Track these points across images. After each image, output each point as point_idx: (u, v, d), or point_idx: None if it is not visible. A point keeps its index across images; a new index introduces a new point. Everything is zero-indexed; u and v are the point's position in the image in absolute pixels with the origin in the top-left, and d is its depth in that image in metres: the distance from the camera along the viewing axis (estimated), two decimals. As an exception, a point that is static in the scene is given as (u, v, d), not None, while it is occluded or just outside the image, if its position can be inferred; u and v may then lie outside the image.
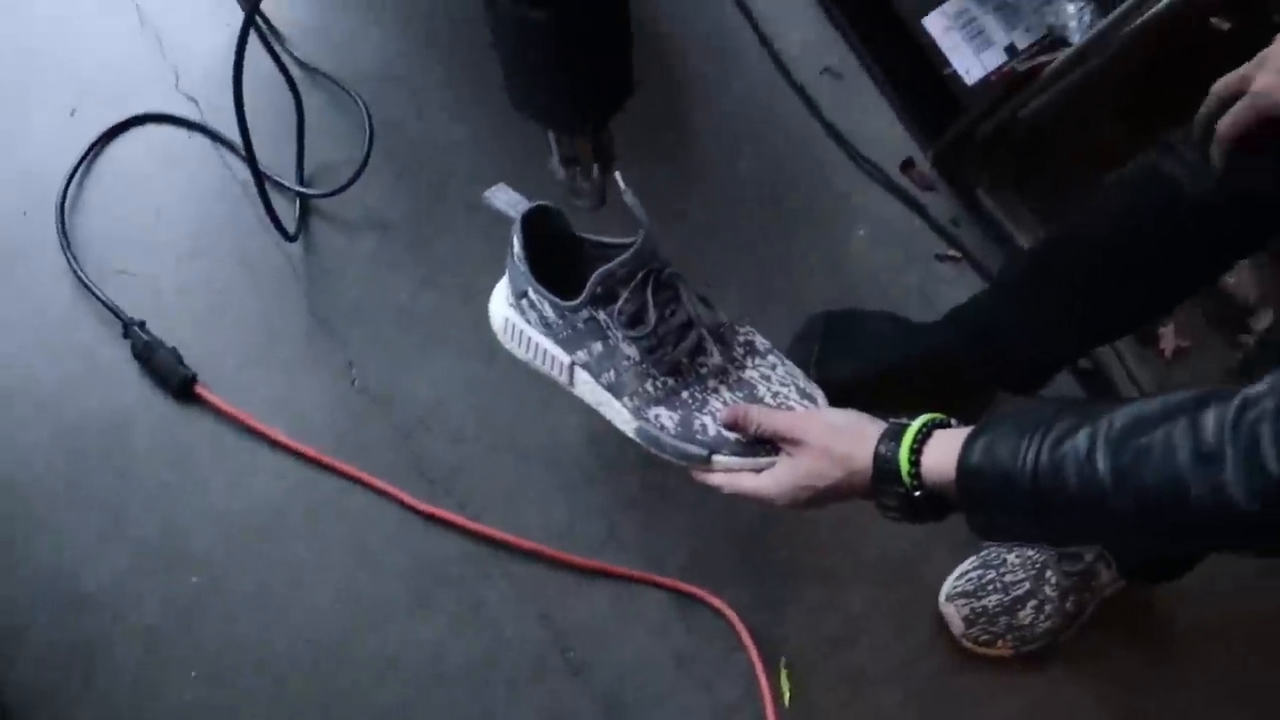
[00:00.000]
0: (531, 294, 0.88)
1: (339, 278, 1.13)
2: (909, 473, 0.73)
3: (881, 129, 1.40)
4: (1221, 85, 0.90)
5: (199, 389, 1.04)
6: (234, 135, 1.02)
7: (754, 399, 0.85)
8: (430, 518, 1.05)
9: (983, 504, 0.71)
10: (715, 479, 0.84)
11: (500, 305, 0.94)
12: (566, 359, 0.89)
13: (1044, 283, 1.10)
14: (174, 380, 1.03)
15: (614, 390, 0.88)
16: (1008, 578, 1.15)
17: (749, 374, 0.87)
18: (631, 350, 0.84)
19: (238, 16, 0.92)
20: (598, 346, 0.86)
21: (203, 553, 1.01)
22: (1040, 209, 1.38)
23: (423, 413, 1.10)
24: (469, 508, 1.07)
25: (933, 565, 1.16)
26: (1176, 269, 1.02)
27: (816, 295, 1.25)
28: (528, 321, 0.91)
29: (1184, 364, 1.42)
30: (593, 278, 0.82)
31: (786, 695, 1.06)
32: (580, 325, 0.86)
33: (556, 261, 0.89)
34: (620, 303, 0.83)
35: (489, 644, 1.03)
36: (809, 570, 1.13)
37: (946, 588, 1.16)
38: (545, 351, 0.91)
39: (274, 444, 1.04)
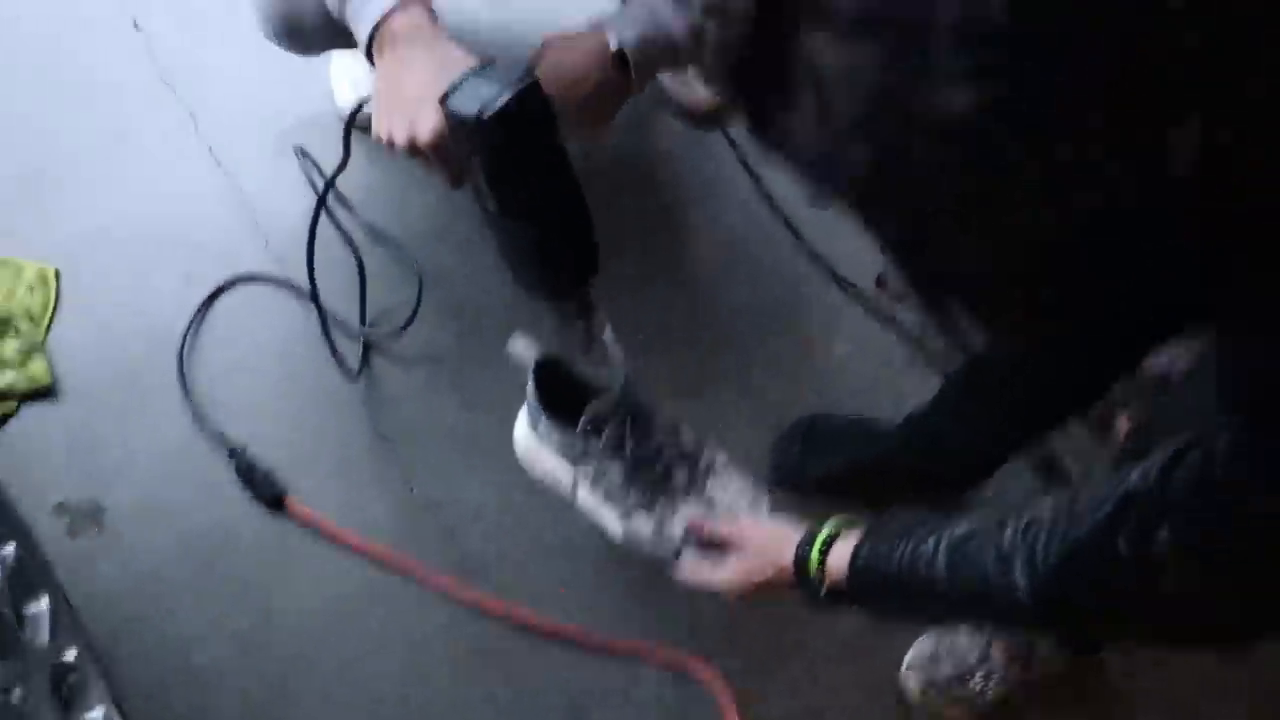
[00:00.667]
0: (543, 425, 1.13)
1: (398, 404, 1.40)
2: (816, 574, 0.94)
3: (860, 249, 1.63)
4: None
5: (288, 501, 1.31)
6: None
7: (712, 509, 1.09)
8: (472, 605, 1.30)
9: (867, 595, 0.92)
10: (680, 575, 1.08)
11: (521, 430, 1.19)
12: (570, 475, 1.14)
13: (970, 393, 1.32)
14: (269, 495, 1.30)
15: (604, 501, 1.12)
16: (958, 649, 1.36)
17: (710, 489, 1.11)
18: (615, 471, 1.09)
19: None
20: (590, 467, 1.11)
21: (289, 636, 1.27)
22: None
23: (467, 515, 1.35)
24: (503, 592, 1.31)
25: (898, 639, 1.38)
26: (1080, 378, 1.23)
27: (800, 404, 1.48)
28: (542, 445, 1.16)
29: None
30: (583, 416, 1.07)
31: (768, 753, 1.28)
32: (579, 450, 1.11)
33: (569, 394, 1.13)
34: (605, 435, 1.07)
35: (521, 712, 1.27)
36: (791, 645, 1.35)
37: (906, 659, 1.37)
38: (555, 470, 1.16)
39: (348, 546, 1.31)
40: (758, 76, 0.48)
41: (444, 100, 0.92)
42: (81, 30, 1.56)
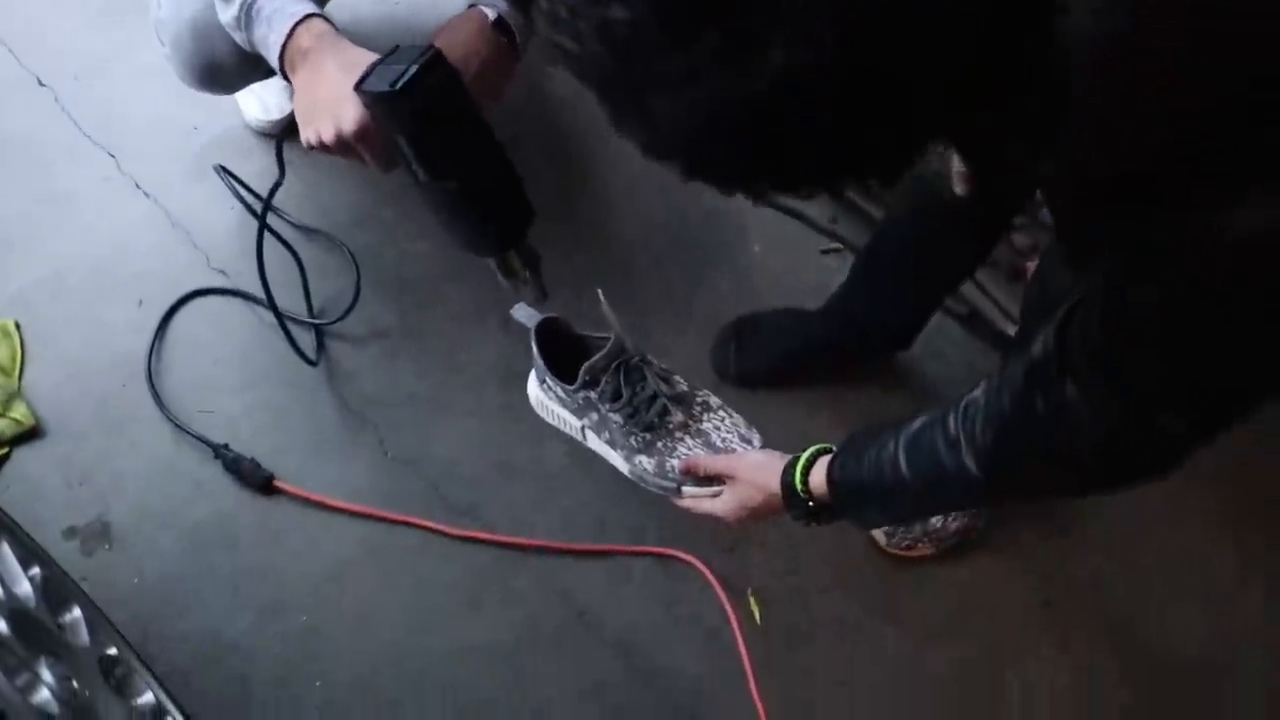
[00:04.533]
0: (549, 381, 1.30)
1: (358, 380, 1.58)
2: (802, 492, 1.09)
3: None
4: None
5: (277, 484, 1.49)
6: (258, 292, 1.46)
7: (709, 445, 1.24)
8: (465, 539, 1.49)
9: (847, 505, 1.06)
10: (683, 504, 1.25)
11: (533, 388, 1.36)
12: (578, 424, 1.31)
13: (874, 270, 1.52)
14: (257, 481, 1.48)
15: (610, 445, 1.29)
16: None
17: (704, 426, 1.26)
18: (615, 417, 1.25)
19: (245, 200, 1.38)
20: (594, 415, 1.27)
21: (304, 598, 1.45)
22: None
23: (442, 466, 1.54)
24: (492, 526, 1.50)
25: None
26: (958, 248, 1.43)
27: (729, 308, 1.68)
28: (549, 399, 1.33)
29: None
30: (581, 370, 1.22)
31: (758, 614, 1.48)
32: (581, 401, 1.27)
33: (570, 352, 1.28)
34: (600, 385, 1.23)
35: (525, 622, 1.46)
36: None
37: (868, 509, 1.56)
38: (564, 419, 1.33)
39: (338, 510, 1.49)
40: None
41: (359, 87, 1.08)
42: (-5, 99, 1.74)
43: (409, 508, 1.50)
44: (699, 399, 1.29)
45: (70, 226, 1.65)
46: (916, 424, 0.97)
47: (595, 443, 1.32)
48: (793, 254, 1.76)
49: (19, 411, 1.50)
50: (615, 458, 1.30)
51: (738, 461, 1.20)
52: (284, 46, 1.21)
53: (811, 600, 1.50)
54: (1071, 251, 0.86)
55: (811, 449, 1.10)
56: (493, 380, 1.61)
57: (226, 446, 1.50)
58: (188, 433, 1.51)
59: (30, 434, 1.51)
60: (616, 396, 1.24)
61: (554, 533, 1.51)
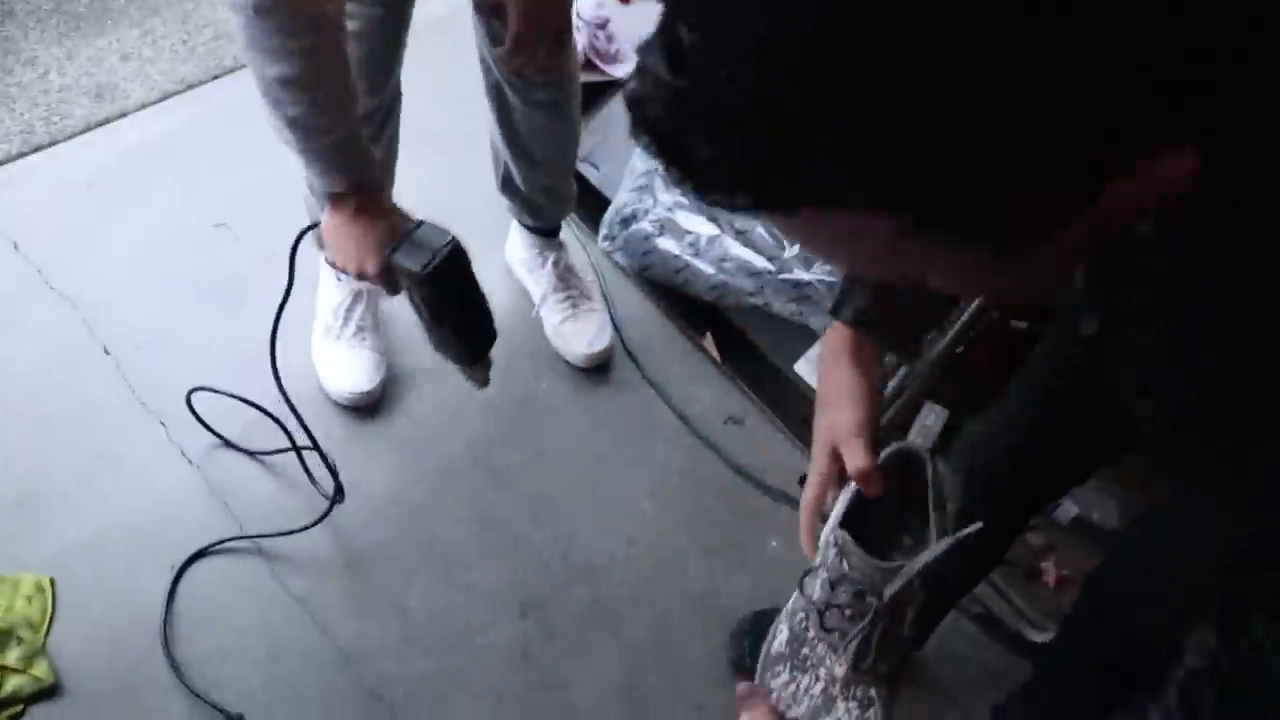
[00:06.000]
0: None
1: (374, 659, 1.63)
2: None
3: (780, 456, 1.95)
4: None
5: (288, 761, 1.51)
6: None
7: None
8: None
9: None
10: None
11: None
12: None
13: None
14: (269, 757, 1.51)
15: None
16: None
17: None
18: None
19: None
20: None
21: None
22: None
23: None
24: None
25: None
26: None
27: (746, 601, 1.74)
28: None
29: (1069, 591, 1.85)
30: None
31: None
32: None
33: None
34: None
35: None
36: None
37: None
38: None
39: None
40: None
41: (391, 254, 1.28)
42: (62, 363, 1.87)
43: None
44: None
45: (116, 489, 1.74)
46: None
47: None
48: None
49: (40, 669, 1.54)
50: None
51: None
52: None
53: None
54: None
55: None
56: (507, 665, 1.66)
57: (242, 717, 1.53)
58: (204, 701, 1.54)
59: (48, 692, 1.54)
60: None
61: None
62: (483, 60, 1.73)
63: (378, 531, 1.76)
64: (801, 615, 1.09)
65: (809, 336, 1.94)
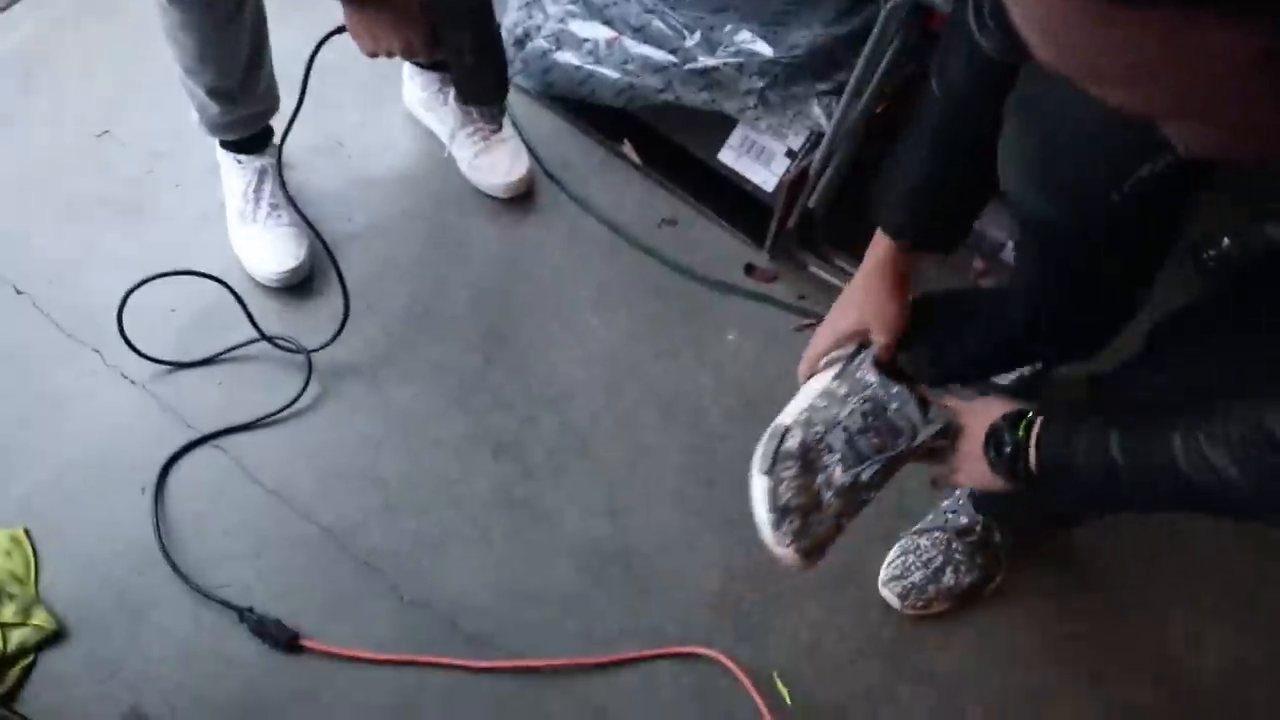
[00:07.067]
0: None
1: (364, 531, 1.66)
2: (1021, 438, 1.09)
3: (721, 250, 1.94)
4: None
5: (303, 642, 1.56)
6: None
7: None
8: (492, 670, 1.55)
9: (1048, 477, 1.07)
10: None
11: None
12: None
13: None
14: (283, 641, 1.55)
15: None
16: (924, 556, 1.62)
17: None
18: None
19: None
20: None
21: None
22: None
23: (456, 603, 1.61)
24: (516, 653, 1.57)
25: (866, 562, 1.64)
26: None
27: (710, 398, 1.77)
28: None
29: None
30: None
31: (787, 696, 1.54)
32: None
33: None
34: None
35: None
36: (774, 603, 1.62)
37: (881, 576, 1.63)
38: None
39: (366, 661, 1.55)
40: None
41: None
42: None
43: (433, 648, 1.56)
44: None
45: (65, 427, 1.73)
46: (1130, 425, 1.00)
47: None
48: (766, 336, 1.85)
49: (40, 618, 1.57)
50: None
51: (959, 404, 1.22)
52: None
53: (838, 674, 1.57)
54: None
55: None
56: (492, 509, 1.69)
57: (250, 609, 1.57)
58: (212, 599, 1.58)
59: (54, 637, 1.58)
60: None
61: (577, 649, 1.57)
62: None
63: (335, 409, 1.77)
64: (820, 429, 1.24)
65: (727, 124, 1.89)
